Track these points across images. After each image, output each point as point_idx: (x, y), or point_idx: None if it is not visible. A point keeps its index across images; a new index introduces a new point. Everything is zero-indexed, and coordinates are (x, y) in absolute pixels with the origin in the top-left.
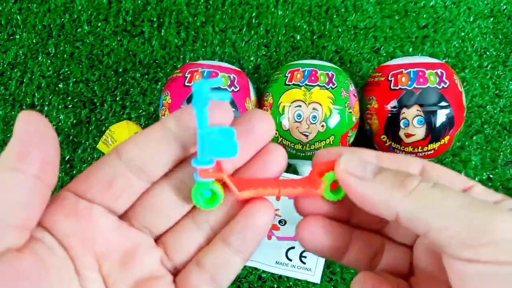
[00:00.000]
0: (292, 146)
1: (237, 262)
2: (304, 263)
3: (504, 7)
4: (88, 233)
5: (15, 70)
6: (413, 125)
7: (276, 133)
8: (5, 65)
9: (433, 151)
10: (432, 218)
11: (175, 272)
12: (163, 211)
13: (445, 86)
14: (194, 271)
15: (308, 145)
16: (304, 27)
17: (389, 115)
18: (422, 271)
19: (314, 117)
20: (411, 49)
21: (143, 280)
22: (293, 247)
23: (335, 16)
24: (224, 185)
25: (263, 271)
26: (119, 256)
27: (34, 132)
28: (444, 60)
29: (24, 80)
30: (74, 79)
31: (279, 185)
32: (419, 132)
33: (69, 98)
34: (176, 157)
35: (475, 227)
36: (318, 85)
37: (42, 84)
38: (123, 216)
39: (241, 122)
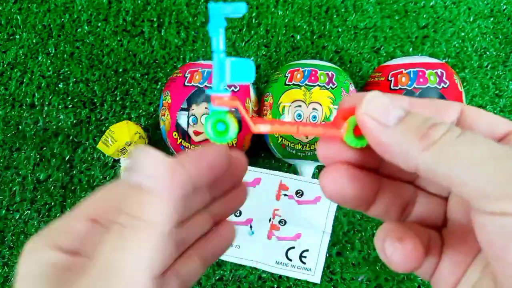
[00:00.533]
0: (292, 146)
1: (199, 271)
2: (304, 263)
3: (504, 7)
4: None
5: (15, 70)
6: None
7: (276, 133)
8: (5, 65)
9: None
10: (454, 172)
11: None
12: None
13: (445, 86)
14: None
15: (308, 145)
16: (304, 27)
17: None
18: (456, 222)
19: (314, 117)
20: (411, 49)
21: None
22: (293, 247)
23: (335, 16)
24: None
25: (263, 271)
26: None
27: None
28: (444, 60)
29: (24, 80)
30: (74, 79)
31: (298, 124)
32: None
33: (69, 98)
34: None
35: (500, 179)
36: (318, 85)
37: (42, 84)
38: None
39: None
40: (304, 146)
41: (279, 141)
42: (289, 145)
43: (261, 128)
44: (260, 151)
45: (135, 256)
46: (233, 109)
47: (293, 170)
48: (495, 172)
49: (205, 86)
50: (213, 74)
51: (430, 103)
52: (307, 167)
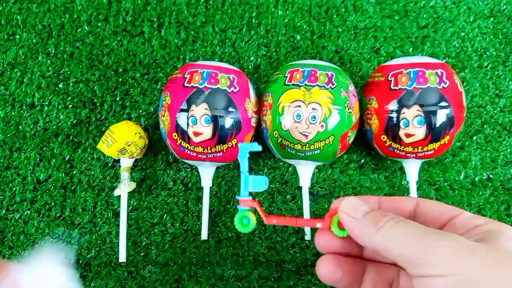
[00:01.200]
0: (292, 146)
1: None
2: None
3: (504, 7)
4: None
5: (15, 70)
6: (413, 125)
7: (276, 133)
8: (5, 65)
9: (433, 151)
10: (393, 247)
11: None
12: None
13: (445, 86)
14: None
15: (307, 145)
16: (304, 27)
17: (389, 115)
18: None
19: (314, 117)
20: (411, 49)
21: None
22: None
23: (335, 16)
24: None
25: (263, 271)
26: None
27: None
28: (444, 60)
29: (24, 80)
30: (74, 79)
31: (297, 219)
32: (419, 132)
33: (69, 98)
34: None
35: (420, 251)
36: (317, 85)
37: (42, 84)
38: None
39: None
40: (304, 147)
41: (278, 141)
42: (289, 145)
43: (272, 220)
44: (260, 151)
45: None
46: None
47: (292, 170)
48: (417, 246)
49: (205, 87)
50: (240, 185)
51: (393, 200)
52: (307, 168)
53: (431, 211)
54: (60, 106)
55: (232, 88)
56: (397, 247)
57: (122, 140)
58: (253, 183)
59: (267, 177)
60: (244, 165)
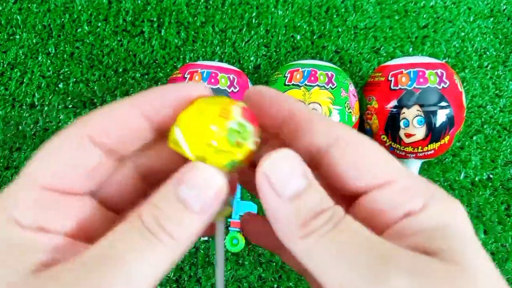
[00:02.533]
0: None
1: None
2: None
3: (504, 7)
4: None
5: (15, 70)
6: (413, 125)
7: None
8: (5, 65)
9: (433, 151)
10: (323, 272)
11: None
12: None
13: (445, 86)
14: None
15: None
16: (304, 27)
17: (389, 115)
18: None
19: None
20: (411, 49)
21: None
22: None
23: (335, 16)
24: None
25: (263, 271)
26: None
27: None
28: (444, 60)
29: (24, 80)
30: (74, 79)
31: None
32: (419, 132)
33: (69, 98)
34: (145, 138)
35: (369, 281)
36: (317, 85)
37: (42, 84)
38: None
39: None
40: None
41: None
42: None
43: None
44: None
45: (146, 265)
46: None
47: None
48: (364, 281)
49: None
50: (233, 210)
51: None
52: None
53: (352, 159)
54: (60, 106)
55: (232, 88)
56: (329, 273)
57: (194, 137)
58: (243, 208)
59: (256, 204)
60: (237, 193)
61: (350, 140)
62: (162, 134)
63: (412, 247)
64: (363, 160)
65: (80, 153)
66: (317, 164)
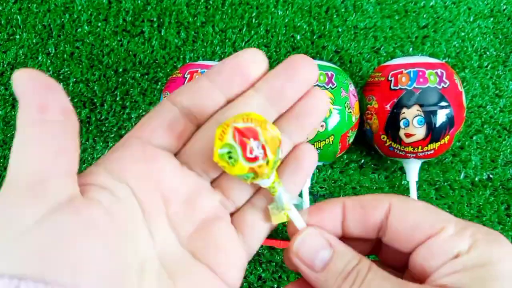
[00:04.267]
0: None
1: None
2: None
3: (504, 7)
4: (156, 176)
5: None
6: (413, 125)
7: None
8: (5, 65)
9: (433, 151)
10: None
11: (231, 214)
12: None
13: (445, 86)
14: (249, 212)
15: None
16: (304, 27)
17: (389, 115)
18: None
19: None
20: (411, 49)
21: (207, 220)
22: None
23: (335, 16)
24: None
25: (263, 271)
26: (184, 198)
27: (42, 85)
28: (444, 60)
29: None
30: (74, 79)
31: (280, 242)
32: (419, 132)
33: (69, 98)
34: (220, 103)
35: None
36: (317, 85)
37: None
38: (181, 160)
39: (285, 67)
40: None
41: None
42: None
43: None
44: None
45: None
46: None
47: None
48: None
49: None
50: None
51: (361, 205)
52: None
53: (405, 223)
54: None
55: None
56: None
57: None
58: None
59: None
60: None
61: (401, 206)
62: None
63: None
64: (416, 219)
65: (162, 113)
66: (382, 235)
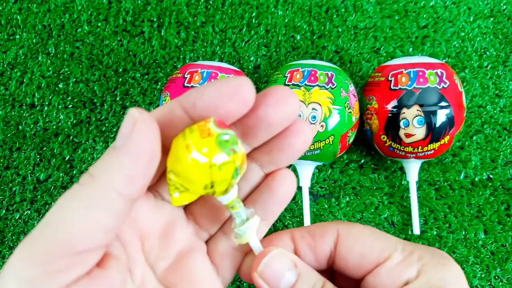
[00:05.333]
0: None
1: (261, 229)
2: None
3: (504, 7)
4: (133, 214)
5: (15, 70)
6: (413, 125)
7: None
8: (5, 65)
9: (433, 151)
10: None
11: (206, 242)
12: None
13: (445, 86)
14: (222, 240)
15: None
16: (304, 27)
17: (389, 115)
18: None
19: (314, 117)
20: (411, 49)
21: (182, 254)
22: None
23: (335, 16)
24: None
25: None
26: (159, 232)
27: (146, 151)
28: (444, 60)
29: (24, 80)
30: (74, 79)
31: None
32: (419, 132)
33: (69, 98)
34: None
35: None
36: (317, 85)
37: (42, 84)
38: (152, 191)
39: (257, 105)
40: None
41: None
42: None
43: None
44: None
45: (83, 216)
46: None
47: (293, 170)
48: None
49: None
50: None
51: (308, 234)
52: (307, 168)
53: (353, 252)
54: (60, 106)
55: None
56: None
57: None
58: None
59: None
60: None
61: (348, 233)
62: None
63: None
64: (364, 246)
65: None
66: (332, 258)
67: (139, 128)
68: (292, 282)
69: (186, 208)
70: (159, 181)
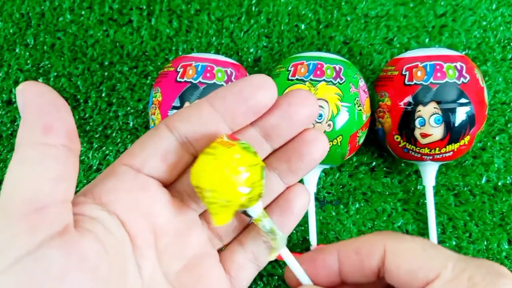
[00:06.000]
0: None
1: None
2: None
3: None
4: (148, 209)
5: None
6: (429, 124)
7: None
8: None
9: (451, 153)
10: None
11: (218, 251)
12: None
13: (465, 81)
14: (238, 251)
15: None
16: (309, 15)
17: (403, 113)
18: None
19: (320, 115)
20: (427, 40)
21: (196, 258)
22: None
23: (343, 3)
24: None
25: (264, 285)
26: (174, 233)
27: (49, 103)
28: (464, 52)
29: (0, 75)
30: (55, 73)
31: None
32: (437, 132)
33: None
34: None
35: None
36: (324, 80)
37: (20, 79)
38: (174, 192)
39: (284, 103)
40: None
41: None
42: None
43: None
44: None
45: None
46: None
47: None
48: None
49: (199, 82)
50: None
51: (354, 251)
52: (312, 171)
53: (402, 269)
54: None
55: (230, 83)
56: None
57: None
58: None
59: None
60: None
61: (396, 250)
62: None
63: None
64: (413, 264)
65: (157, 139)
66: (382, 276)
67: (27, 92)
68: None
69: (201, 213)
70: (179, 180)
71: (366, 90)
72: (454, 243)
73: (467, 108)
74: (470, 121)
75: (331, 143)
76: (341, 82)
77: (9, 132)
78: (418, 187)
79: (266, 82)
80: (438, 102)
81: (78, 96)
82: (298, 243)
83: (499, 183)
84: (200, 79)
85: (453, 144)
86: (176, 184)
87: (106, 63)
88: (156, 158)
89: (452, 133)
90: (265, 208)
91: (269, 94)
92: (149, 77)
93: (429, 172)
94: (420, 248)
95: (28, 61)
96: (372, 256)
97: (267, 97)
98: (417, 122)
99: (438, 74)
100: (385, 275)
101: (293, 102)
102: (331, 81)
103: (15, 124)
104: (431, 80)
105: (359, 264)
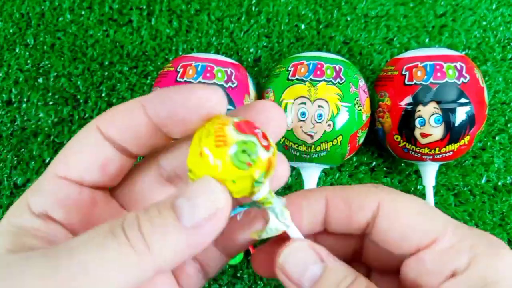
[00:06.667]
0: (296, 148)
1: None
2: None
3: None
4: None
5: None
6: (429, 124)
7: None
8: None
9: (451, 152)
10: None
11: None
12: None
13: (465, 81)
14: (188, 262)
15: (313, 146)
16: (309, 15)
17: (403, 113)
18: None
19: (320, 115)
20: (427, 40)
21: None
22: None
23: (343, 3)
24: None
25: (264, 286)
26: None
27: (205, 242)
28: (463, 52)
29: (0, 74)
30: (55, 73)
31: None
32: (436, 132)
33: (50, 94)
34: (158, 140)
35: None
36: (324, 80)
37: (20, 79)
38: (119, 200)
39: (246, 114)
40: (309, 148)
41: (281, 142)
42: (292, 146)
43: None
44: None
45: (107, 271)
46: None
47: (297, 173)
48: None
49: (199, 82)
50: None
51: (344, 201)
52: (312, 171)
53: (394, 229)
54: (39, 103)
55: (229, 83)
56: None
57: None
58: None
59: None
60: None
61: (391, 208)
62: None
63: None
64: (407, 225)
65: (93, 148)
66: (368, 232)
67: (217, 221)
68: (316, 276)
69: None
70: (125, 190)
71: (366, 90)
72: None
73: (467, 108)
74: (470, 121)
75: (331, 143)
76: (341, 82)
77: (9, 132)
78: (418, 187)
79: (214, 94)
80: (438, 102)
81: (78, 96)
82: None
83: (499, 183)
84: (200, 79)
85: (453, 144)
86: (121, 193)
87: (106, 63)
88: (96, 167)
89: (452, 133)
90: None
91: (217, 106)
92: (149, 77)
93: (429, 172)
94: (417, 209)
95: (28, 61)
96: (363, 210)
97: (215, 109)
98: (417, 122)
99: (438, 74)
100: (372, 233)
101: (261, 111)
102: (331, 81)
103: (15, 124)
104: (431, 80)
105: (346, 216)
